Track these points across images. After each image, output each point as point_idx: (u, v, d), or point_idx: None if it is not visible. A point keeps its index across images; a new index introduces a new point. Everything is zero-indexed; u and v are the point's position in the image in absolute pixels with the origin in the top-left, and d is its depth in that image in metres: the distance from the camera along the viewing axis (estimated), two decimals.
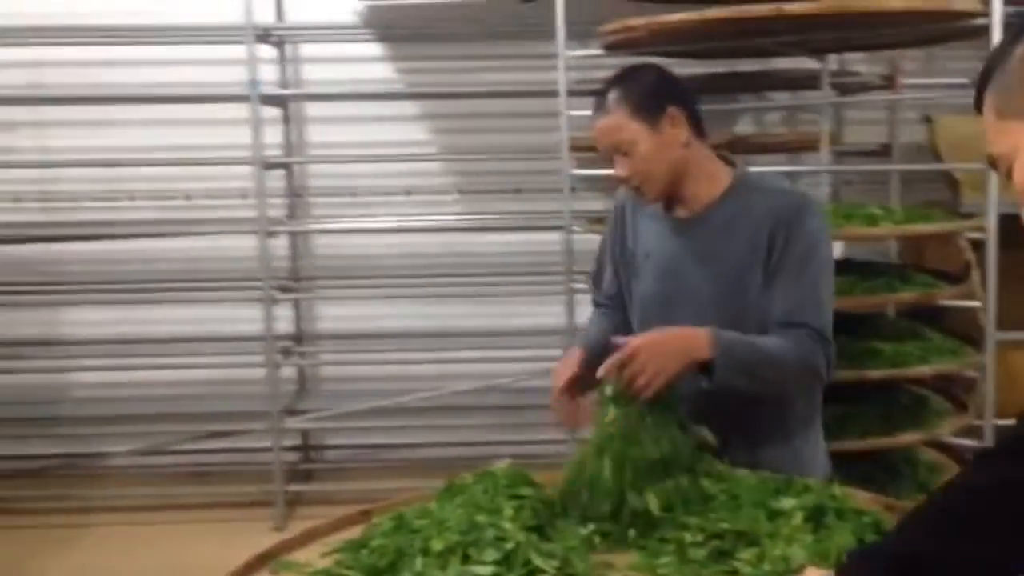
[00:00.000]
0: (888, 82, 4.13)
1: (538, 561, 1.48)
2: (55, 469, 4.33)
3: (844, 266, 3.11)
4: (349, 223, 4.35)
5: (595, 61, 3.63)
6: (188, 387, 4.39)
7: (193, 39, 4.19)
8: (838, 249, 3.47)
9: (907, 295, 3.14)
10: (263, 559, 1.71)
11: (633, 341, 1.71)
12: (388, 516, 1.67)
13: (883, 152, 4.26)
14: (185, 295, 4.37)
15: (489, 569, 1.44)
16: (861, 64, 4.24)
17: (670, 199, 1.99)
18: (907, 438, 3.10)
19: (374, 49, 4.43)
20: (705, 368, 1.77)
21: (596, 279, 2.20)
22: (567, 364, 1.96)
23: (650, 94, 1.91)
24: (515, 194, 4.39)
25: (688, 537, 1.59)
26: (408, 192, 4.46)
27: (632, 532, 1.62)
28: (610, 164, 1.95)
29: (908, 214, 3.23)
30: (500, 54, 4.06)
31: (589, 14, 3.49)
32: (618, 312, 2.12)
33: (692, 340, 1.76)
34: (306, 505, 4.08)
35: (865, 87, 4.20)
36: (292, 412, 4.30)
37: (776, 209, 1.90)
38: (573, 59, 3.47)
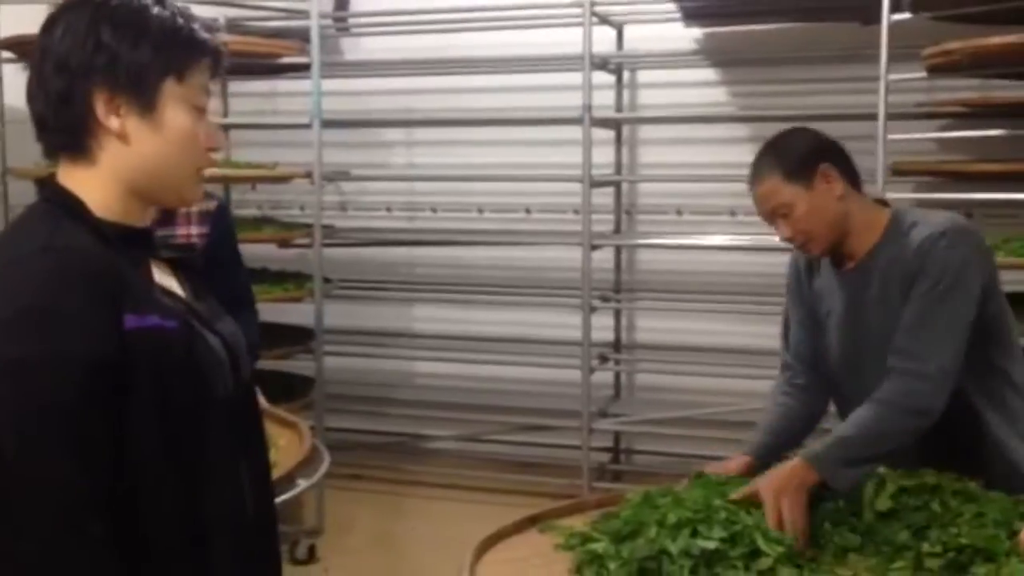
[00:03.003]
0: None
1: (762, 544, 1.60)
2: (394, 445, 4.89)
3: None
4: (669, 239, 4.53)
5: (916, 84, 3.56)
6: (510, 384, 4.76)
7: (537, 68, 4.59)
8: None
9: None
10: (533, 520, 1.96)
11: (755, 485, 1.77)
12: (638, 493, 1.86)
13: None
14: (515, 299, 4.75)
15: (714, 543, 1.58)
16: None
17: (838, 253, 2.01)
18: None
19: (707, 74, 4.59)
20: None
21: (785, 338, 2.20)
22: (719, 468, 1.97)
23: (800, 155, 1.96)
24: None
25: (927, 547, 1.64)
26: (732, 212, 4.57)
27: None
28: (773, 227, 2.00)
29: None
30: (826, 77, 4.06)
31: (915, 37, 3.44)
32: (806, 375, 2.11)
33: (797, 472, 1.79)
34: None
35: None
36: (604, 415, 4.55)
37: (918, 242, 1.89)
38: (894, 83, 3.43)
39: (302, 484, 2.08)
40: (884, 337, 1.92)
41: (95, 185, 1.23)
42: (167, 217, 2.61)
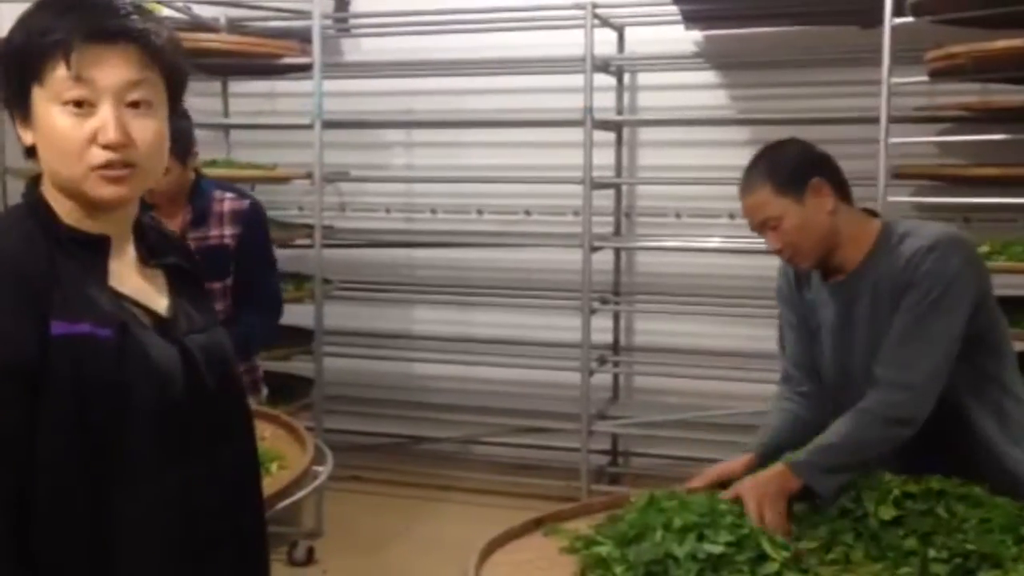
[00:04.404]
0: None
1: (768, 548, 1.60)
2: (393, 447, 4.88)
3: None
4: (669, 242, 4.53)
5: (917, 88, 3.57)
6: (510, 385, 4.76)
7: (538, 70, 4.60)
8: None
9: None
10: (538, 523, 1.96)
11: (737, 488, 1.79)
12: (643, 496, 1.85)
13: None
14: (516, 301, 4.73)
15: (720, 548, 1.58)
16: None
17: (827, 265, 2.01)
18: None
19: (708, 77, 4.59)
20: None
21: (783, 347, 2.20)
22: (724, 468, 1.98)
23: (792, 168, 1.95)
24: None
25: (933, 553, 1.64)
26: (731, 215, 4.57)
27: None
28: (763, 237, 2.00)
29: None
30: (828, 81, 4.06)
31: (917, 41, 3.45)
32: (808, 383, 2.11)
33: (779, 477, 1.80)
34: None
35: None
36: (603, 417, 4.55)
37: (908, 255, 1.88)
38: (897, 86, 3.43)
39: (305, 487, 2.07)
40: (874, 349, 1.92)
41: (50, 191, 1.25)
42: (200, 218, 2.61)
